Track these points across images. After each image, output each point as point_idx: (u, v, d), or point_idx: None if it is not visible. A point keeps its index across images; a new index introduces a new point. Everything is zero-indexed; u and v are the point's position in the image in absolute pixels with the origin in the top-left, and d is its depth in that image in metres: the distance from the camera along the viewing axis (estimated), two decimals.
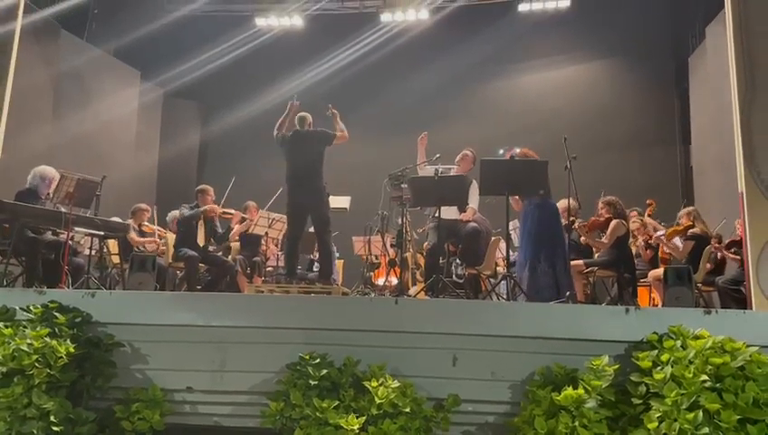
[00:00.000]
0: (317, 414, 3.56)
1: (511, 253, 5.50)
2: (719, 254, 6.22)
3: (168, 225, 7.82)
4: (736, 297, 5.61)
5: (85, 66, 9.67)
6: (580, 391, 3.41)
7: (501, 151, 6.31)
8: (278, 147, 6.24)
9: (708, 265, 6.24)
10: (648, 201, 7.34)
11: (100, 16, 10.19)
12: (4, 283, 5.13)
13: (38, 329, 3.79)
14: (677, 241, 6.56)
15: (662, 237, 6.56)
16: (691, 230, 6.31)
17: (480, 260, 6.18)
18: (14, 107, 5.55)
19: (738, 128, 4.53)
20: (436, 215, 5.75)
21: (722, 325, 3.66)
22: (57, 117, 9.07)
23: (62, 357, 3.70)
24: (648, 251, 6.84)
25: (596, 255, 6.37)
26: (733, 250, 6.08)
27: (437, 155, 6.17)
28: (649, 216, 7.16)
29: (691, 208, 6.69)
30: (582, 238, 6.28)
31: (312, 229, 6.70)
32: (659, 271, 5.81)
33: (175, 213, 7.40)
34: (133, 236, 7.05)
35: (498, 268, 6.66)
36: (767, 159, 4.43)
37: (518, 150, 5.57)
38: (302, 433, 3.56)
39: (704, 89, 9.10)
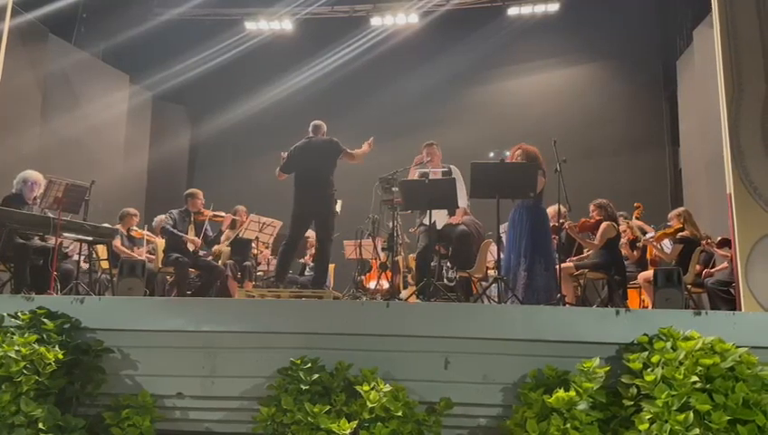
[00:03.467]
0: (309, 419, 3.54)
1: (502, 255, 5.51)
2: (713, 250, 6.25)
3: (154, 230, 7.78)
4: (726, 298, 5.65)
5: (73, 70, 9.61)
6: (572, 393, 3.41)
7: (505, 153, 6.33)
8: (287, 163, 6.14)
9: (698, 267, 6.28)
10: (635, 204, 7.40)
11: (89, 20, 10.13)
12: None
13: (26, 335, 3.75)
14: (667, 243, 6.61)
15: (651, 239, 6.60)
16: (680, 233, 6.35)
17: (471, 263, 6.19)
18: (2, 111, 5.51)
19: (726, 130, 4.57)
20: (425, 222, 5.78)
21: (711, 326, 3.67)
22: (45, 121, 9.01)
23: (50, 364, 3.66)
24: (634, 252, 6.88)
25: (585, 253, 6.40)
26: (725, 248, 6.11)
27: (428, 159, 6.18)
28: (637, 218, 7.20)
29: (681, 210, 6.73)
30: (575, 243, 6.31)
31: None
32: (649, 273, 5.85)
33: (161, 217, 7.35)
34: (118, 244, 6.99)
35: (489, 271, 6.67)
36: (755, 161, 4.47)
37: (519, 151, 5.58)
38: None
39: (692, 91, 9.17)
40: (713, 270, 6.32)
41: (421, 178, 5.70)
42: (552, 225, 5.78)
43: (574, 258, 6.30)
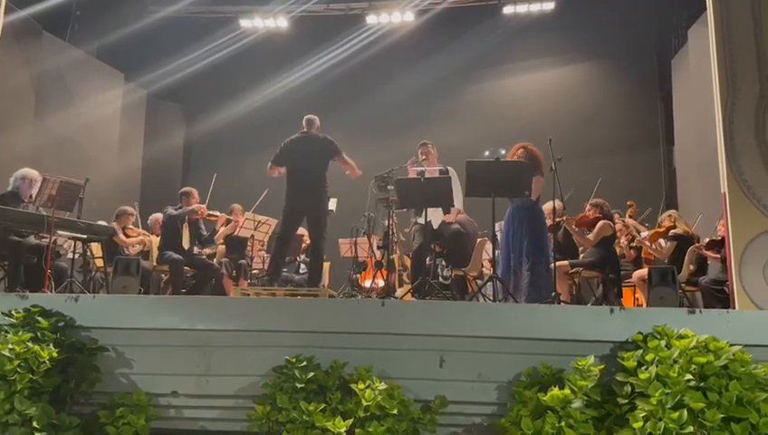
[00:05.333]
0: (304, 417, 3.54)
1: (497, 254, 5.52)
2: (702, 253, 6.29)
3: (150, 227, 7.75)
4: (720, 297, 5.68)
5: (67, 67, 9.57)
6: (567, 391, 3.42)
7: (501, 151, 6.36)
8: (280, 155, 6.03)
9: (692, 266, 6.31)
10: (628, 203, 7.42)
11: (83, 17, 10.07)
12: None
13: (20, 334, 3.74)
14: (661, 242, 6.64)
15: (645, 239, 6.63)
16: (673, 231, 6.38)
17: (466, 262, 6.20)
18: None
19: (720, 129, 4.59)
20: (419, 221, 5.78)
21: (705, 325, 3.69)
22: (39, 119, 8.97)
23: (44, 362, 3.65)
24: (631, 251, 6.91)
25: (581, 255, 6.42)
26: (714, 249, 6.16)
27: (423, 157, 6.18)
28: (630, 217, 7.23)
29: (671, 212, 6.79)
30: (572, 236, 6.33)
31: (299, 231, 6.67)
32: (644, 271, 5.87)
33: (157, 215, 7.33)
34: (121, 236, 6.97)
35: (484, 270, 6.68)
36: (749, 160, 4.48)
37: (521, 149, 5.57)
38: None
39: (687, 90, 9.20)
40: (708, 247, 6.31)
41: (417, 177, 5.69)
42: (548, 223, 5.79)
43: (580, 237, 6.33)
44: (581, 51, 11.06)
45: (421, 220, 5.84)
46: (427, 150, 6.20)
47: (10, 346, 3.66)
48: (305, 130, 6.10)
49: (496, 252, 5.50)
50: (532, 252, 5.24)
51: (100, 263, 6.94)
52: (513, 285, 5.27)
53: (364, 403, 3.55)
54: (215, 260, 7.31)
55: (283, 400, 3.61)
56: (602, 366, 3.55)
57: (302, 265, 8.18)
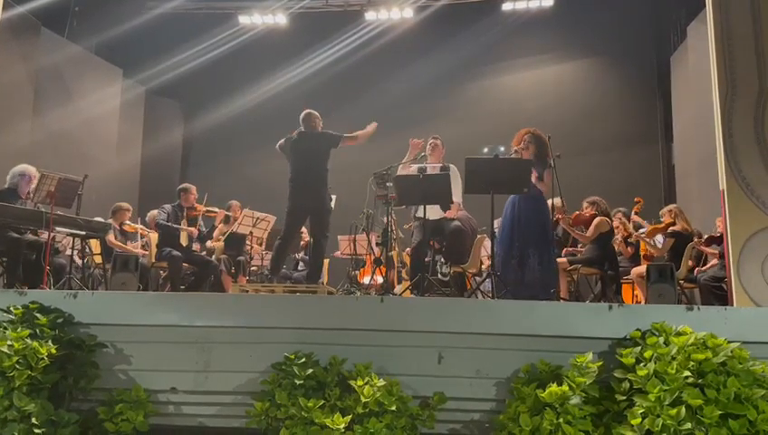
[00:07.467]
0: (302, 414, 3.55)
1: (497, 250, 5.49)
2: (701, 249, 6.30)
3: (148, 224, 7.74)
4: (718, 294, 5.68)
5: (66, 64, 9.56)
6: (565, 387, 3.43)
7: (500, 148, 6.36)
8: (282, 153, 6.09)
9: (690, 263, 6.32)
10: (635, 199, 7.40)
11: (82, 13, 10.06)
12: None
13: (19, 330, 3.74)
14: (659, 238, 6.64)
15: (643, 234, 6.63)
16: (672, 227, 6.38)
17: (465, 258, 6.20)
18: None
19: (719, 126, 4.59)
20: (419, 215, 5.78)
21: (704, 322, 3.70)
22: (37, 115, 8.95)
23: (43, 358, 3.65)
24: (628, 248, 6.91)
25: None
26: (712, 246, 6.17)
27: (422, 153, 6.18)
28: (636, 213, 7.21)
29: (673, 206, 6.77)
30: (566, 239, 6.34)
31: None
32: (642, 268, 5.87)
33: (154, 212, 7.33)
34: (112, 238, 6.95)
35: (483, 267, 6.68)
36: (748, 157, 4.49)
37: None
38: (287, 433, 3.55)
39: (685, 88, 9.20)
40: (704, 268, 6.36)
41: (415, 174, 5.68)
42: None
43: (570, 248, 6.33)
44: (580, 47, 11.05)
45: (420, 214, 5.84)
46: (435, 144, 6.21)
47: (9, 343, 3.66)
48: (302, 129, 6.10)
49: (495, 249, 5.46)
50: (538, 244, 5.16)
51: (98, 259, 6.93)
52: (518, 278, 5.16)
53: (363, 400, 3.55)
54: (213, 257, 7.30)
55: (282, 396, 3.62)
56: (600, 363, 3.55)
57: (301, 263, 8.18)
